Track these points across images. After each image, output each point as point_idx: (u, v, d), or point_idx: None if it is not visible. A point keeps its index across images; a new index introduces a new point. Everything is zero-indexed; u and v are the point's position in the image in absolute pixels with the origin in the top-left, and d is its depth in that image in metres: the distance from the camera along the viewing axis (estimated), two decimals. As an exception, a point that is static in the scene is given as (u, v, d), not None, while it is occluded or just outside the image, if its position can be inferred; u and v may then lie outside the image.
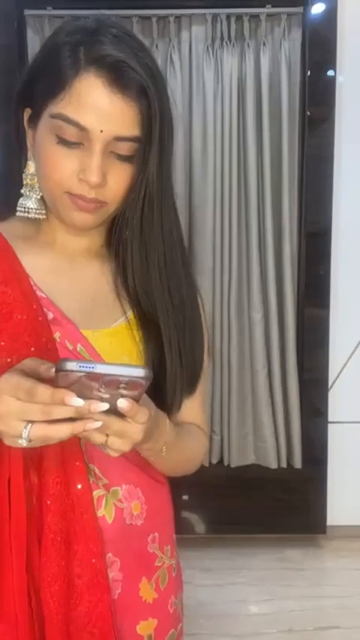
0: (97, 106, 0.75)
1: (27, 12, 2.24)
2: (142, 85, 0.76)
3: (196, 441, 0.96)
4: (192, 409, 0.95)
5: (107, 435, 0.69)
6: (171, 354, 0.86)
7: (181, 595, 0.97)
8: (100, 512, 0.82)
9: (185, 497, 2.46)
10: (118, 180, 0.80)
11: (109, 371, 0.62)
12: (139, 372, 0.63)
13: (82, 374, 0.61)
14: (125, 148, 0.78)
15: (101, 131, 0.76)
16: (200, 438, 0.97)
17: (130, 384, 0.64)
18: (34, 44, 2.26)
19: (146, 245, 0.85)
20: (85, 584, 0.80)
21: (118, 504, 0.84)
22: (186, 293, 0.90)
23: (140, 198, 0.81)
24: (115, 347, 0.85)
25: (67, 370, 0.61)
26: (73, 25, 0.79)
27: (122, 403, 0.65)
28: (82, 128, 0.76)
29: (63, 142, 0.77)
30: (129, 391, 0.65)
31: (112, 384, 0.63)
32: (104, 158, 0.77)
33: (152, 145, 0.79)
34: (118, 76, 0.75)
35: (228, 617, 2.09)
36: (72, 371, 0.61)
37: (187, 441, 0.91)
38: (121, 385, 0.64)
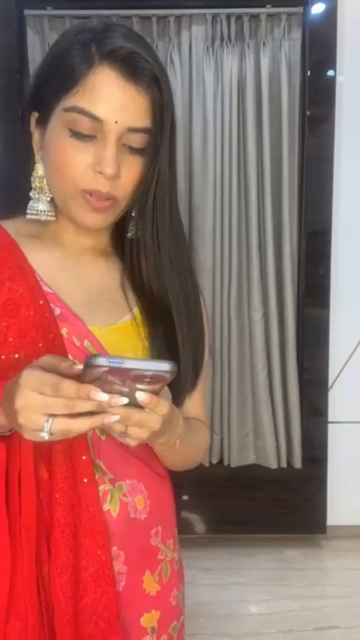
0: (111, 97, 0.76)
1: (27, 12, 2.23)
2: (155, 75, 0.78)
3: (201, 436, 0.98)
4: (194, 405, 0.96)
5: (126, 425, 0.70)
6: (183, 346, 0.87)
7: (183, 588, 0.99)
8: (106, 507, 0.84)
9: (185, 497, 2.46)
10: (131, 173, 0.81)
11: (136, 366, 0.63)
12: (165, 367, 0.64)
13: (107, 369, 0.62)
14: (137, 141, 0.79)
15: (116, 122, 0.77)
16: (204, 433, 1.00)
17: (155, 378, 0.65)
18: (34, 44, 2.26)
19: (158, 238, 0.86)
20: (91, 575, 0.81)
21: (122, 499, 0.85)
22: (190, 286, 0.92)
23: (152, 189, 0.83)
24: (122, 343, 0.85)
25: (97, 365, 0.62)
26: (80, 26, 0.81)
27: (142, 396, 0.67)
28: (96, 119, 0.77)
29: (77, 135, 0.78)
30: (151, 385, 0.67)
31: (137, 378, 0.65)
32: (118, 150, 0.78)
33: (164, 135, 0.80)
34: (132, 68, 0.77)
35: (228, 617, 2.09)
36: (101, 366, 0.62)
37: (193, 435, 0.93)
38: (146, 380, 0.65)
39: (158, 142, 0.80)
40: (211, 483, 2.47)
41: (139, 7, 2.24)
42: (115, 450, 0.84)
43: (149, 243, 0.86)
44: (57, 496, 0.79)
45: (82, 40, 0.78)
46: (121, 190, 0.81)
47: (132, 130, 0.78)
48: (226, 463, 2.52)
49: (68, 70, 0.77)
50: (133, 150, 0.80)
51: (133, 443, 0.73)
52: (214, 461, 2.53)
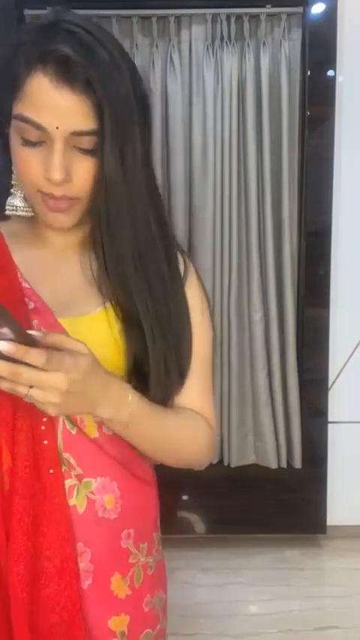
0: (49, 103, 0.76)
1: (27, 12, 2.23)
2: (87, 78, 0.76)
3: (191, 424, 0.95)
4: (188, 399, 0.95)
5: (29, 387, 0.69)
6: (154, 343, 0.87)
7: (161, 595, 0.96)
8: (72, 502, 0.83)
9: (185, 497, 2.45)
10: (82, 174, 0.81)
11: None
12: None
13: None
14: (86, 142, 0.79)
15: (57, 128, 0.77)
16: (198, 423, 0.96)
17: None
18: (34, 44, 2.26)
19: (116, 236, 0.85)
20: (56, 567, 0.80)
21: (90, 496, 0.84)
22: (169, 283, 0.91)
23: (102, 189, 0.82)
24: (93, 335, 0.85)
25: None
26: (30, 25, 0.81)
27: (3, 346, 0.64)
28: (39, 127, 0.77)
29: (27, 142, 0.79)
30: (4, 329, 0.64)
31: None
32: (66, 154, 0.79)
33: (105, 136, 0.79)
34: (64, 71, 0.75)
35: (228, 617, 2.08)
36: None
37: (170, 420, 0.90)
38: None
39: (101, 142, 0.80)
40: (211, 483, 2.46)
41: (139, 7, 2.23)
42: (88, 446, 0.84)
43: (106, 241, 0.86)
44: (16, 485, 0.78)
45: (26, 41, 0.77)
46: (77, 191, 0.82)
47: (76, 133, 0.78)
48: (226, 463, 2.52)
49: (13, 74, 0.77)
50: (83, 150, 0.80)
51: (50, 410, 0.71)
52: (214, 461, 2.52)
